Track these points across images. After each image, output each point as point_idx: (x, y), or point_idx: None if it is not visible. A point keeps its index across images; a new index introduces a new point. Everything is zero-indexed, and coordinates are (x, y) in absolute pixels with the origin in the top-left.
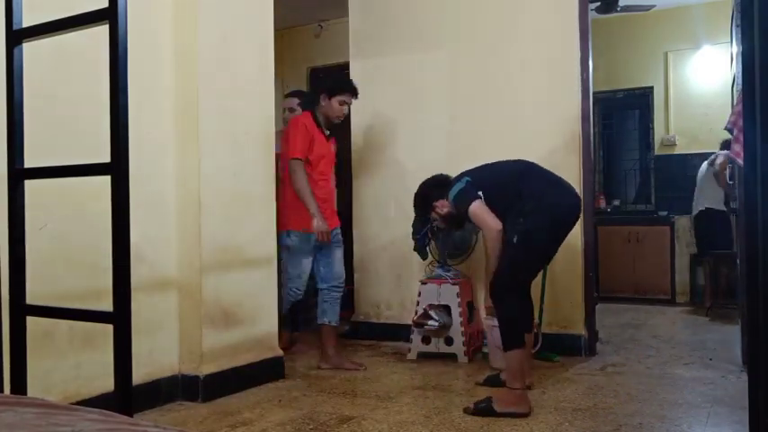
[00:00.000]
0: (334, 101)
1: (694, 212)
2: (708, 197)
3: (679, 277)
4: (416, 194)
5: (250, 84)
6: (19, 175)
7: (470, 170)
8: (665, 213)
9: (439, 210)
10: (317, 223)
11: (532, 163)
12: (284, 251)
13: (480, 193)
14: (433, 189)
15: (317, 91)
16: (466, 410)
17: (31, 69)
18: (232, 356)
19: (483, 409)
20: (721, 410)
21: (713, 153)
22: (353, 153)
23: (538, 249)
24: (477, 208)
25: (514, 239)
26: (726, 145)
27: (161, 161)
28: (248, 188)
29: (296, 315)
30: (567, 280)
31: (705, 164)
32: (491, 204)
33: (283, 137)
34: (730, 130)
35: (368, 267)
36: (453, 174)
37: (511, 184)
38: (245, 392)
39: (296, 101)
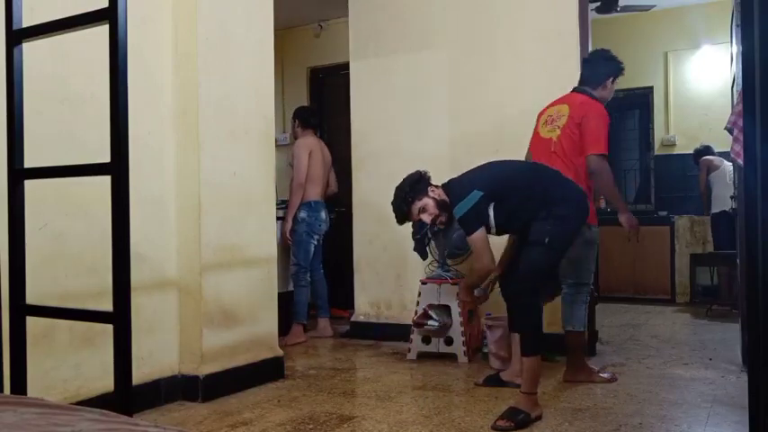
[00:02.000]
0: (614, 84)
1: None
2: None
3: (679, 277)
4: (394, 204)
5: (250, 84)
6: (19, 175)
7: (476, 175)
8: (665, 213)
9: (429, 210)
10: (628, 217)
11: (539, 163)
12: (583, 244)
13: (491, 210)
14: (407, 193)
15: (601, 73)
16: (498, 428)
17: (31, 69)
18: (232, 356)
19: (523, 421)
20: (721, 410)
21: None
22: (353, 153)
23: (563, 252)
24: (480, 240)
25: (545, 240)
26: (701, 154)
27: (161, 161)
28: (248, 188)
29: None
30: None
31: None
32: (509, 208)
33: (571, 126)
34: (730, 130)
35: (368, 267)
36: (451, 175)
37: (530, 185)
38: (244, 392)
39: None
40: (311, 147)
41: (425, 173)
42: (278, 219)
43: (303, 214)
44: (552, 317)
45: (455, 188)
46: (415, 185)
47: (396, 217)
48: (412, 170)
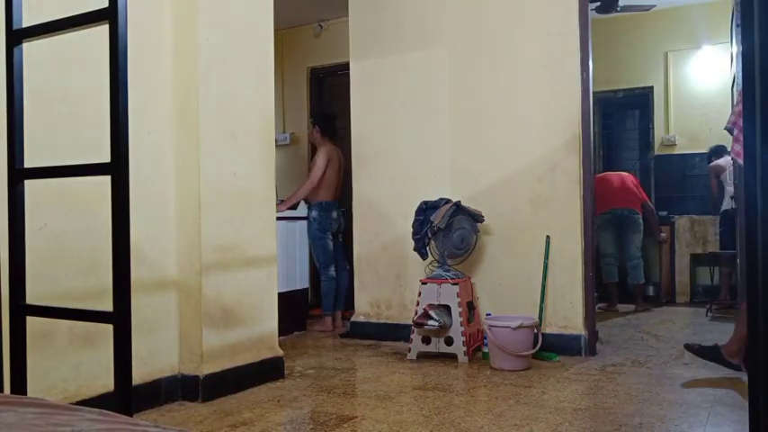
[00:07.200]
0: None
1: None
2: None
3: (679, 277)
4: None
5: (250, 83)
6: (19, 175)
7: None
8: (665, 213)
9: None
10: None
11: None
12: None
13: None
14: None
15: None
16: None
17: (31, 69)
18: (232, 356)
19: None
20: (721, 410)
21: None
22: (353, 153)
23: None
24: None
25: None
26: (714, 153)
27: (161, 161)
28: (248, 188)
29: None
30: (567, 280)
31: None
32: None
33: None
34: (730, 130)
35: (368, 267)
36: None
37: None
38: (245, 392)
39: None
40: (330, 155)
41: None
42: (278, 219)
43: (315, 213)
44: (551, 317)
45: None
46: None
47: None
48: (412, 170)
